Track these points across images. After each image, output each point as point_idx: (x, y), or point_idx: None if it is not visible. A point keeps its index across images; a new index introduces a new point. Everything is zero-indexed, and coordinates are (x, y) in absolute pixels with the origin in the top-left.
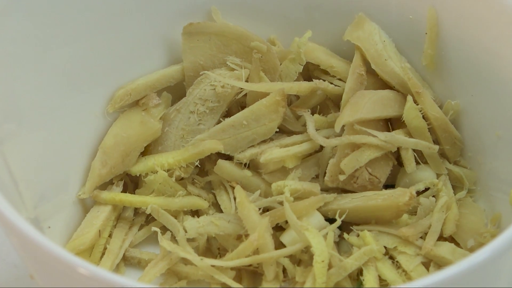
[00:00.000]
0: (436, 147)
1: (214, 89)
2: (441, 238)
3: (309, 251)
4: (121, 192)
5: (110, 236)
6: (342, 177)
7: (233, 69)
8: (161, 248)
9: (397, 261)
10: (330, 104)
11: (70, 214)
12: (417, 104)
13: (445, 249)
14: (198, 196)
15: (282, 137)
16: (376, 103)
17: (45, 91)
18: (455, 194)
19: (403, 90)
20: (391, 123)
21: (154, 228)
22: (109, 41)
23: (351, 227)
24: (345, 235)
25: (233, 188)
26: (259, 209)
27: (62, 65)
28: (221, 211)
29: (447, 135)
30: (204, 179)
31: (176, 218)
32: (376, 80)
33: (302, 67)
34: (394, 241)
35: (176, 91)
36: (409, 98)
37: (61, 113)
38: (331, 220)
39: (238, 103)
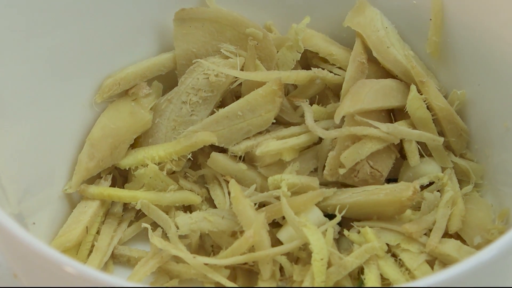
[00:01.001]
0: (441, 139)
1: (208, 78)
2: (446, 235)
3: (307, 248)
4: (110, 186)
5: (98, 232)
6: (342, 171)
7: (227, 57)
8: (152, 245)
9: (400, 259)
10: (329, 94)
11: (56, 209)
12: (421, 94)
13: (450, 247)
14: (190, 190)
15: (279, 129)
16: (378, 93)
17: (29, 80)
18: (461, 189)
19: (406, 79)
20: (393, 114)
21: (144, 224)
22: (96, 28)
23: (351, 223)
24: (345, 232)
25: (227, 182)
26: (255, 204)
27: (47, 53)
28: (214, 207)
29: (453, 127)
30: (196, 172)
31: (167, 213)
32: (378, 69)
33: (300, 54)
34: (397, 238)
35: (167, 80)
36: (413, 87)
37: (46, 104)
38: (330, 216)
39: (233, 93)
